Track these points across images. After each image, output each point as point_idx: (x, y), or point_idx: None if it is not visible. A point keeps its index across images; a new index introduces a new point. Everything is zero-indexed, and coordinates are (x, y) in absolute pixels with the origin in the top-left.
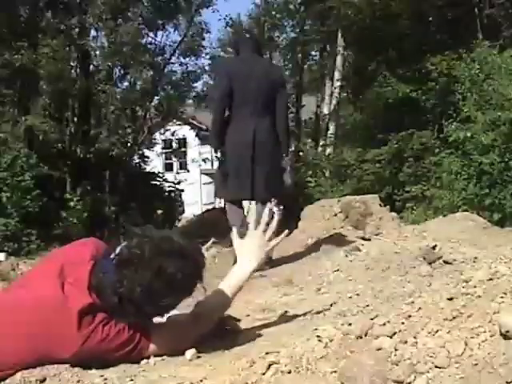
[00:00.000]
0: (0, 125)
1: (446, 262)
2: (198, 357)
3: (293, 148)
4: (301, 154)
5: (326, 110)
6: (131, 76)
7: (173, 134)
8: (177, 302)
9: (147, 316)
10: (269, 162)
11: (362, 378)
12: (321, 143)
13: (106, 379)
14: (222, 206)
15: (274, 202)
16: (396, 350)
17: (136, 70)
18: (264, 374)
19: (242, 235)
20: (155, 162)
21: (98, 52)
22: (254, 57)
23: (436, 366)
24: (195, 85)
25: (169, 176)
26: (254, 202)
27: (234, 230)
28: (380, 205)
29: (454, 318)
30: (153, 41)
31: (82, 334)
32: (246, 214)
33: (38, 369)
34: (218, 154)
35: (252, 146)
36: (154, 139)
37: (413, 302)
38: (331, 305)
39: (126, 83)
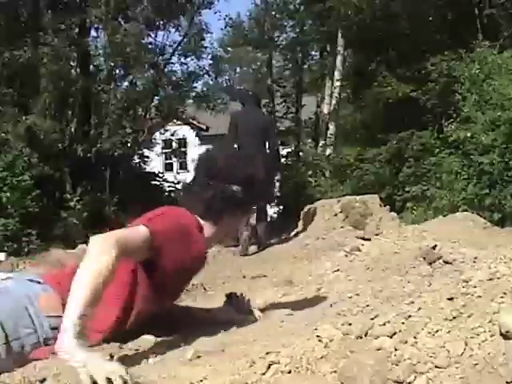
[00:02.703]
0: (0, 124)
1: (446, 262)
2: (198, 357)
3: (292, 148)
4: (301, 154)
5: (325, 110)
6: (132, 76)
7: (173, 134)
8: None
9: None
10: None
11: (361, 377)
12: (321, 143)
13: None
14: None
15: None
16: (396, 349)
17: (138, 70)
18: (264, 373)
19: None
20: (155, 162)
21: (101, 52)
22: (253, 109)
23: (436, 366)
24: (195, 85)
25: (169, 176)
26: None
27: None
28: (380, 205)
29: (454, 318)
30: (153, 41)
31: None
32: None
33: (38, 369)
34: None
35: None
36: (154, 139)
37: (413, 302)
38: (331, 305)
39: (126, 83)
